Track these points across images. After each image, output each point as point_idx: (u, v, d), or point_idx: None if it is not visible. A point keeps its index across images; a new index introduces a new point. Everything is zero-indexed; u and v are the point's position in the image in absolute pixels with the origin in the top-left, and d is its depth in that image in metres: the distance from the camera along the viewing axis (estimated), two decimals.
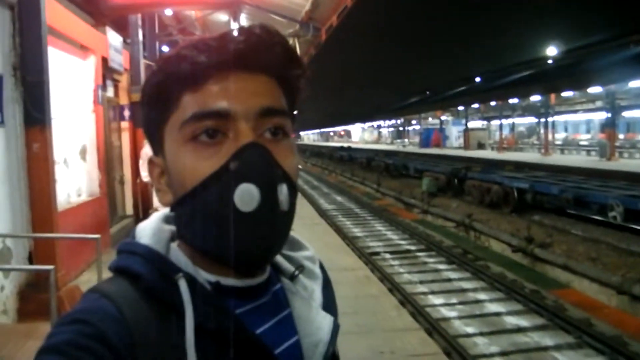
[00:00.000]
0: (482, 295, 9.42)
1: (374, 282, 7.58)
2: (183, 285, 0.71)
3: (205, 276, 0.76)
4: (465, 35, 14.10)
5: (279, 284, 0.85)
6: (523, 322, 8.16)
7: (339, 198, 23.61)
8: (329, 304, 0.90)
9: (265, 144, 0.71)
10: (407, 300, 8.79)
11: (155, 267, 0.73)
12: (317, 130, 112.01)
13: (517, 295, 9.11)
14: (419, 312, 8.26)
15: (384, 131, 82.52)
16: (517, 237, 12.31)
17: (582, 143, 44.36)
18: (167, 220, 0.81)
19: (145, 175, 8.85)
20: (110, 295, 0.70)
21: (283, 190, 0.71)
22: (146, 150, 9.00)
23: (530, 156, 33.10)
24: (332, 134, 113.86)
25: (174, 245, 0.78)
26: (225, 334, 0.71)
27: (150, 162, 0.80)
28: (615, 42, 21.17)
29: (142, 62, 11.22)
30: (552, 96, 39.30)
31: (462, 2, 11.09)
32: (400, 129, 71.13)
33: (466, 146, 43.86)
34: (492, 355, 7.09)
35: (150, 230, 0.78)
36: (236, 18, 12.22)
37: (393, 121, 70.50)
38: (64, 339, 0.63)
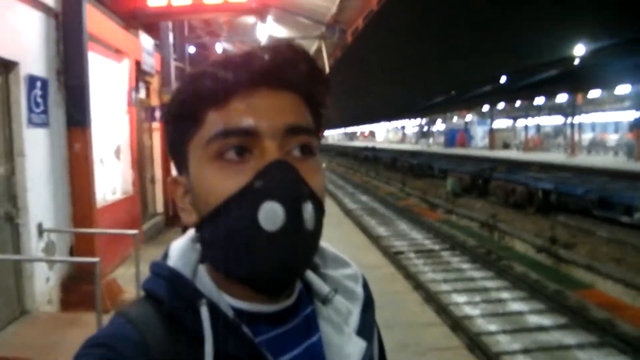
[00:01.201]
0: (505, 294, 9.54)
1: (398, 280, 7.78)
2: (204, 311, 0.70)
3: (229, 301, 0.75)
4: (491, 34, 14.19)
5: (311, 306, 0.82)
6: (545, 321, 8.27)
7: (363, 198, 23.79)
8: (367, 327, 0.85)
9: (291, 162, 0.71)
10: (430, 298, 8.96)
11: (178, 291, 0.72)
12: (342, 130, 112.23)
13: (540, 295, 9.21)
14: (442, 310, 8.42)
15: (409, 131, 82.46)
16: (541, 237, 12.39)
17: (609, 144, 43.86)
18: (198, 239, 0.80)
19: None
20: (135, 320, 0.71)
21: (308, 208, 0.70)
22: None
23: (555, 157, 32.90)
24: (357, 133, 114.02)
25: (201, 267, 0.77)
26: None
27: (174, 181, 0.79)
28: None
29: (173, 64, 11.55)
30: (579, 97, 38.96)
31: (489, 1, 11.21)
32: (425, 129, 71.04)
33: (491, 146, 43.73)
34: (514, 352, 7.22)
35: (179, 250, 0.78)
36: (263, 20, 12.50)
37: (418, 121, 70.43)
38: None
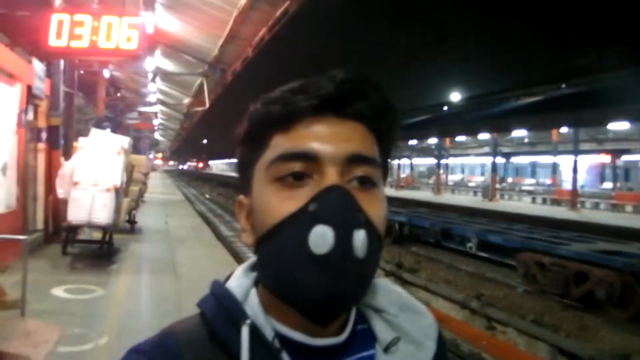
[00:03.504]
0: None
1: None
2: (245, 332, 0.70)
3: (276, 327, 0.74)
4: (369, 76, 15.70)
5: (372, 351, 0.79)
6: None
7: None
8: None
9: (348, 189, 0.69)
10: None
11: (224, 310, 0.74)
12: (227, 161, 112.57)
13: None
14: None
15: None
16: (390, 263, 14.12)
17: (471, 184, 47.79)
18: None
19: (61, 192, 9.89)
20: (177, 333, 0.75)
21: (360, 235, 0.67)
22: (63, 170, 10.07)
23: (423, 195, 35.65)
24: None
25: (253, 290, 0.77)
26: None
27: (239, 202, 0.80)
28: (500, 95, 23.70)
29: (62, 90, 12.25)
30: (447, 140, 42.41)
31: (362, 46, 12.64)
32: None
33: None
34: None
35: (238, 272, 0.80)
36: (152, 54, 13.51)
37: None
38: None
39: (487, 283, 12.26)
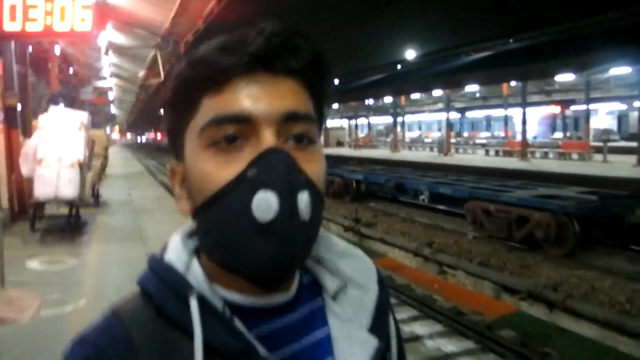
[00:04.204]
0: None
1: None
2: (193, 304, 0.68)
3: (223, 294, 0.73)
4: (323, 38, 16.08)
5: (320, 301, 0.80)
6: None
7: None
8: (380, 326, 0.81)
9: (287, 150, 0.67)
10: None
11: (168, 285, 0.71)
12: None
13: None
14: None
15: None
16: (349, 219, 14.82)
17: (427, 140, 48.78)
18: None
19: (25, 171, 10.19)
20: (122, 315, 0.71)
21: (304, 198, 0.66)
22: (26, 149, 10.36)
23: (381, 153, 36.41)
24: None
25: (195, 259, 0.74)
26: (236, 357, 0.68)
27: (172, 170, 0.78)
28: (452, 51, 24.35)
29: (15, 69, 12.38)
30: (402, 98, 43.11)
31: (312, 14, 12.97)
32: None
33: (326, 144, 46.87)
34: None
35: (175, 242, 0.77)
36: (103, 29, 13.64)
37: None
38: None
39: (439, 232, 13.06)
